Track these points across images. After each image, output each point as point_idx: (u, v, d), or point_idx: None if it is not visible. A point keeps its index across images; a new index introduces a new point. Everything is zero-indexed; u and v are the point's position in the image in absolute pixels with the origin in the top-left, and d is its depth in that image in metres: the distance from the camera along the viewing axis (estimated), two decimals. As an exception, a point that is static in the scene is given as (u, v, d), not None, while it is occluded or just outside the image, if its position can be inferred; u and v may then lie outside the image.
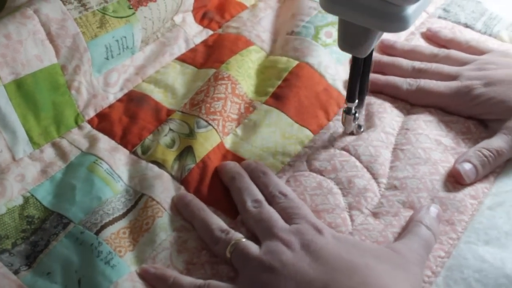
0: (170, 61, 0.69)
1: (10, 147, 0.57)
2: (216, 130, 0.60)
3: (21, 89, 0.57)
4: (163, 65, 0.69)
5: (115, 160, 0.57)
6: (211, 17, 0.75)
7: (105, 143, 0.59)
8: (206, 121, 0.60)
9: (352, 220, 0.53)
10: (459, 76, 0.63)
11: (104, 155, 0.57)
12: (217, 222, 0.52)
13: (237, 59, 0.68)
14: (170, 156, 0.57)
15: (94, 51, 0.62)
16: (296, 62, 0.67)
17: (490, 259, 0.49)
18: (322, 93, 0.65)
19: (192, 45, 0.72)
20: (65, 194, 0.54)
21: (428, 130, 0.61)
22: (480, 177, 0.56)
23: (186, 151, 0.58)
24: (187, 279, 0.48)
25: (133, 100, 0.64)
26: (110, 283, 0.47)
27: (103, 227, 0.51)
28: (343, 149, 0.60)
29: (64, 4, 0.60)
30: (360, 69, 0.55)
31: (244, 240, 0.49)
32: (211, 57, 0.69)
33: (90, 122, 0.62)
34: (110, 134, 0.60)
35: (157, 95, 0.65)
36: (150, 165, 0.57)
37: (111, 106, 0.63)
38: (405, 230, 0.51)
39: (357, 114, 0.59)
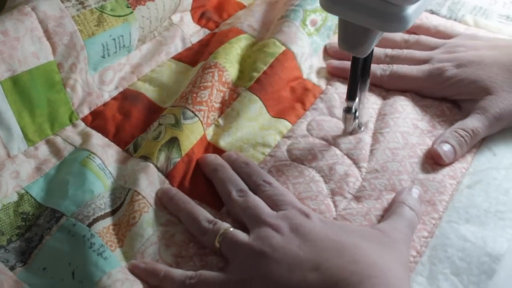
0: (166, 60, 0.69)
1: (5, 144, 0.56)
2: (201, 122, 0.60)
3: (17, 86, 0.56)
4: (159, 64, 0.68)
5: (108, 156, 0.57)
6: (209, 17, 0.75)
7: (98, 139, 0.59)
8: (193, 112, 0.60)
9: (335, 206, 0.54)
10: (431, 60, 0.65)
11: (97, 150, 0.56)
12: (203, 213, 0.52)
13: (226, 47, 0.67)
14: (155, 148, 0.57)
15: (90, 49, 0.61)
16: (283, 48, 0.67)
17: (472, 238, 0.51)
18: (298, 86, 0.66)
19: (188, 44, 0.71)
20: (58, 189, 0.54)
21: (404, 113, 0.62)
22: (458, 157, 0.58)
23: (172, 143, 0.57)
24: (178, 272, 0.48)
25: (127, 99, 0.64)
26: (103, 273, 0.46)
27: (96, 220, 0.50)
28: (322, 138, 0.60)
29: (62, 2, 0.59)
30: (360, 69, 0.55)
31: (232, 229, 0.49)
32: (203, 53, 0.69)
33: (84, 120, 0.61)
34: (103, 131, 0.60)
35: (152, 93, 0.65)
36: (138, 160, 0.57)
37: (105, 104, 0.63)
38: (388, 212, 0.52)
39: (357, 113, 0.59)
